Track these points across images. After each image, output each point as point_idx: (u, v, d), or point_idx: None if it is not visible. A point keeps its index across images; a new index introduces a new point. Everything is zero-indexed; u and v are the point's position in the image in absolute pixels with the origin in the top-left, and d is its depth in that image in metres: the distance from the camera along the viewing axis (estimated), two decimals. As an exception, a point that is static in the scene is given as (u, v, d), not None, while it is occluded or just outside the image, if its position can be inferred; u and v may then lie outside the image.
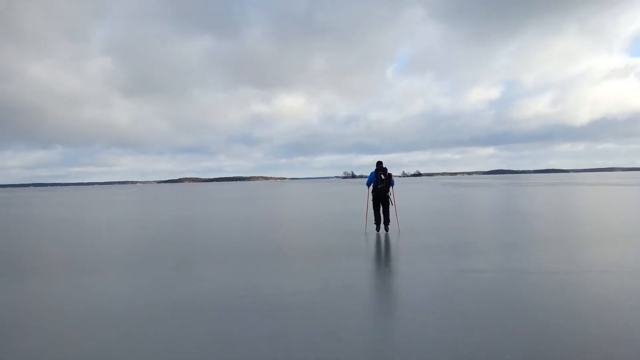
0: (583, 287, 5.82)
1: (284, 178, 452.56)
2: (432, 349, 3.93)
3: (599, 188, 35.76)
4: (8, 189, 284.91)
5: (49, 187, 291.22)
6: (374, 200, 11.84)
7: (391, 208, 12.08)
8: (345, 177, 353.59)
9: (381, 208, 11.82)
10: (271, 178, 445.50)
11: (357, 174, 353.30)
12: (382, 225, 11.87)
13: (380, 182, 11.68)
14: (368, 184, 12.07)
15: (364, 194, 30.96)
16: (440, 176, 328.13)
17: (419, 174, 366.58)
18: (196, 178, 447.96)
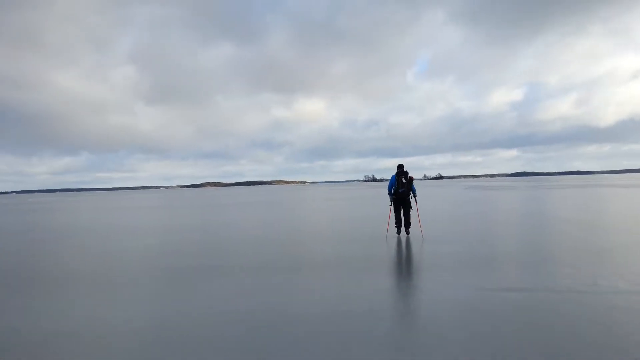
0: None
1: (305, 182, 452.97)
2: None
3: (632, 190, 33.87)
4: (35, 194, 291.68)
5: (75, 192, 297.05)
6: (394, 203, 11.67)
7: (412, 212, 11.91)
8: (365, 181, 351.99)
9: (402, 211, 11.68)
10: (292, 182, 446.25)
11: (377, 177, 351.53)
12: (402, 229, 11.80)
13: (401, 186, 11.49)
14: (389, 188, 11.78)
15: (385, 198, 30.00)
16: (461, 179, 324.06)
17: (440, 177, 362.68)
18: (218, 182, 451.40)
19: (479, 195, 34.20)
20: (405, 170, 11.68)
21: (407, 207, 11.61)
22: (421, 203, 22.01)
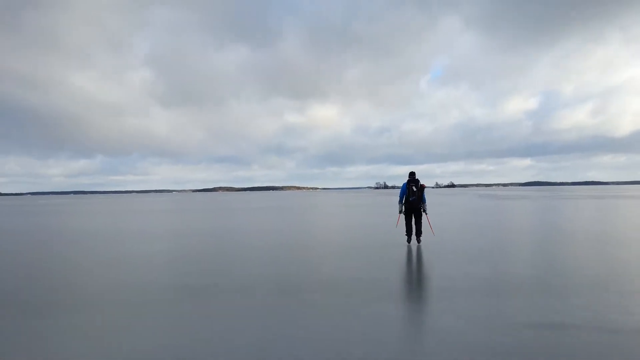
0: None
1: (316, 188, 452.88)
2: None
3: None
4: (50, 196, 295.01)
5: (88, 195, 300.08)
6: (405, 211, 11.50)
7: (424, 221, 11.92)
8: (377, 188, 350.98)
9: (413, 219, 11.50)
10: (303, 188, 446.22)
11: (389, 184, 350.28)
12: (413, 237, 11.61)
13: (412, 194, 11.33)
14: (400, 196, 11.64)
15: (396, 208, 29.41)
16: (474, 187, 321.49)
17: (452, 185, 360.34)
18: (230, 187, 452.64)
19: (495, 204, 33.17)
20: (416, 178, 11.51)
21: (419, 216, 11.43)
22: (434, 212, 21.42)
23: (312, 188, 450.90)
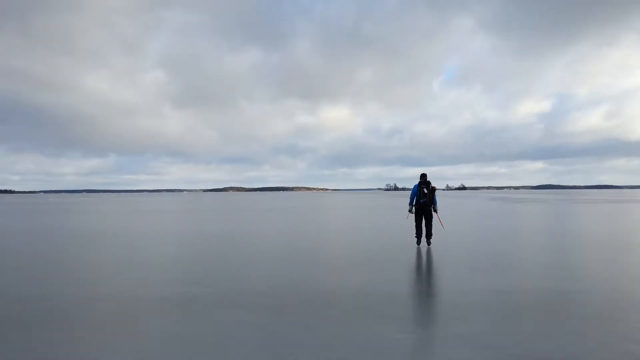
0: None
1: (326, 189, 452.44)
2: None
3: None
4: (62, 194, 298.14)
5: (100, 193, 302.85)
6: (416, 212, 11.35)
7: (437, 225, 11.80)
8: (387, 190, 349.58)
9: (423, 221, 11.34)
10: (314, 189, 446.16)
11: (399, 186, 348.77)
12: (423, 240, 11.43)
13: (423, 196, 11.16)
14: (411, 197, 11.45)
15: (406, 210, 28.64)
16: (485, 190, 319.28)
17: (463, 188, 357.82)
18: (240, 187, 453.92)
19: (508, 208, 32.25)
20: (428, 180, 11.38)
21: (429, 218, 11.28)
22: (445, 214, 20.66)
23: (322, 189, 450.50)
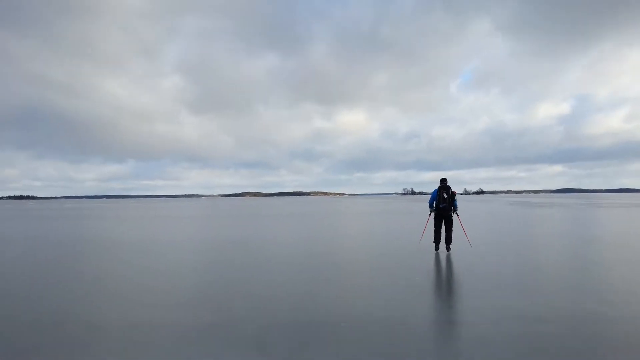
0: None
1: (343, 194, 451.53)
2: None
3: None
4: (83, 199, 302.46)
5: (119, 199, 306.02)
6: (435, 217, 11.32)
7: (458, 228, 12.14)
8: (404, 194, 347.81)
9: (443, 226, 11.33)
10: (330, 194, 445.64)
11: (416, 190, 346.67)
12: (442, 245, 11.44)
13: (443, 201, 11.15)
14: (430, 202, 11.45)
15: (424, 215, 28.24)
16: (504, 194, 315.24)
17: (481, 192, 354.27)
18: (257, 192, 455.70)
19: (530, 213, 31.35)
20: (448, 185, 11.34)
21: (449, 223, 11.24)
22: (465, 219, 20.21)
23: (339, 194, 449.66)
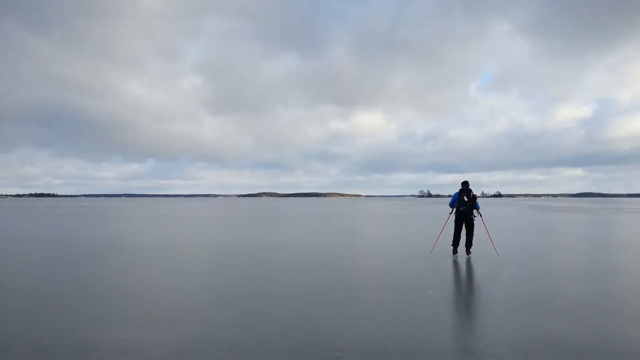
0: None
1: (359, 195, 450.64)
2: None
3: None
4: (102, 198, 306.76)
5: (138, 198, 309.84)
6: (456, 220, 11.18)
7: (482, 232, 11.82)
8: (421, 196, 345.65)
9: (463, 230, 11.11)
10: (346, 195, 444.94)
11: (433, 193, 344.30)
12: (459, 249, 11.16)
13: (463, 204, 11.01)
14: (450, 204, 11.38)
15: (443, 219, 27.62)
16: (522, 197, 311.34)
17: (499, 195, 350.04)
18: (273, 193, 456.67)
19: (555, 218, 30.27)
20: (469, 188, 11.20)
21: (470, 226, 11.07)
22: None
23: (355, 195, 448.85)
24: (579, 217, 32.65)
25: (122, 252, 12.54)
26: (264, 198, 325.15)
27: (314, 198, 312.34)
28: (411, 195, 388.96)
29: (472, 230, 11.14)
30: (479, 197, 11.43)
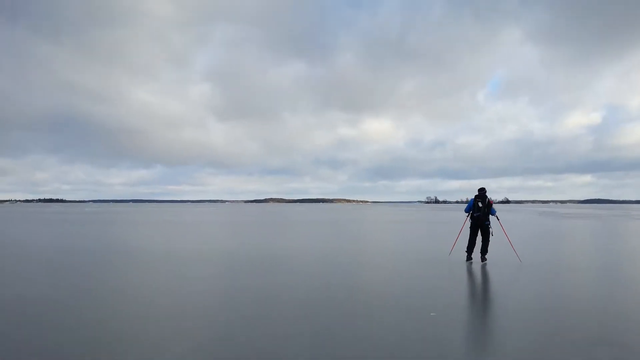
0: None
1: (367, 201, 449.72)
2: None
3: None
4: (110, 203, 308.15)
5: (146, 203, 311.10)
6: (471, 226, 11.26)
7: (502, 237, 11.95)
8: (428, 202, 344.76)
9: (479, 236, 11.17)
10: (353, 201, 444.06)
11: (440, 199, 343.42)
12: (474, 255, 11.15)
13: (477, 210, 11.08)
14: (466, 211, 11.49)
15: (452, 225, 27.76)
16: (530, 204, 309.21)
17: (507, 201, 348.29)
18: (281, 199, 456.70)
19: (567, 225, 30.39)
20: (485, 194, 11.25)
21: (485, 233, 11.08)
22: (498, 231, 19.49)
23: (362, 201, 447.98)
24: (592, 223, 32.68)
25: (103, 261, 12.07)
26: (270, 204, 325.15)
27: (321, 204, 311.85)
28: (418, 202, 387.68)
29: (488, 237, 11.15)
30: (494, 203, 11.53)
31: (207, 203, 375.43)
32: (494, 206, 11.37)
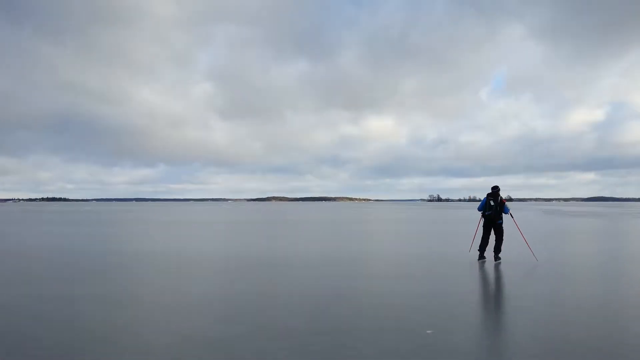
0: None
1: (369, 199, 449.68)
2: None
3: None
4: (113, 202, 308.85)
5: (149, 202, 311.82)
6: (484, 225, 11.21)
7: (516, 235, 11.96)
8: (430, 200, 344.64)
9: (492, 235, 11.08)
10: (356, 199, 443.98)
11: (443, 197, 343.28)
12: (486, 254, 11.06)
13: (489, 209, 10.98)
14: (479, 209, 11.36)
15: (456, 223, 27.49)
16: (533, 202, 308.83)
17: (510, 199, 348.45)
18: (283, 197, 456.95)
19: (575, 223, 30.09)
20: (498, 192, 11.08)
21: (498, 231, 10.96)
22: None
23: (364, 199, 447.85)
24: (600, 222, 32.29)
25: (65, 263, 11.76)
26: (272, 202, 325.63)
27: (323, 202, 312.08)
28: (420, 200, 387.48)
29: (501, 236, 10.98)
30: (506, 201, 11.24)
31: (209, 202, 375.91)
32: (507, 204, 11.09)
